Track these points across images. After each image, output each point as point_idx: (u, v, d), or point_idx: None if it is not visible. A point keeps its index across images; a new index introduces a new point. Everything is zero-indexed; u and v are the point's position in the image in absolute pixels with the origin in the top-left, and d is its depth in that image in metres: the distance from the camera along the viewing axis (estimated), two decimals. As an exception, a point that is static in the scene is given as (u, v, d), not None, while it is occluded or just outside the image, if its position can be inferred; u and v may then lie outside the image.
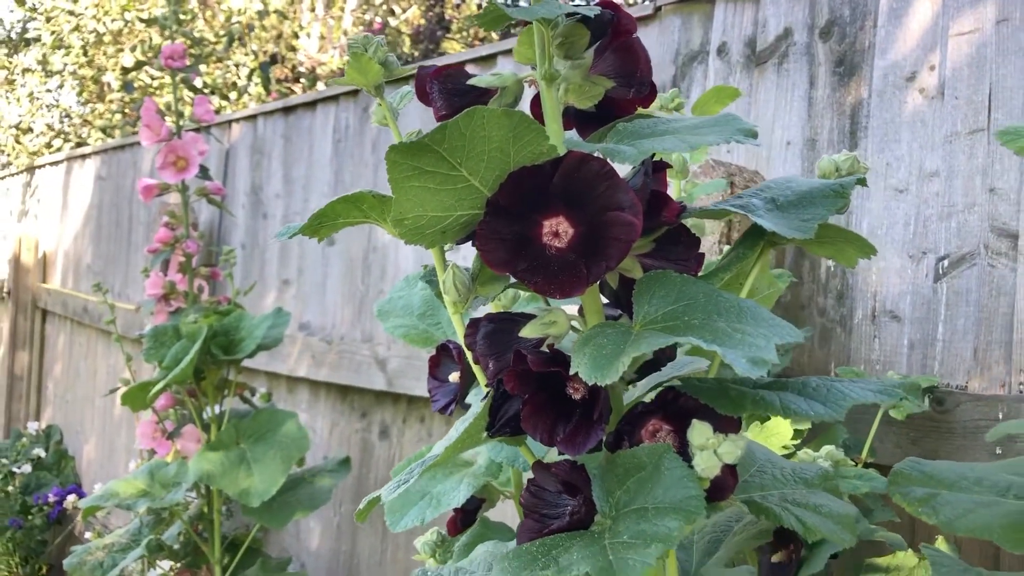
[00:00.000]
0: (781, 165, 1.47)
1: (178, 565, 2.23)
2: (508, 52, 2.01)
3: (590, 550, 0.48)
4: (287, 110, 2.75)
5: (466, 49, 5.54)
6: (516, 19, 0.51)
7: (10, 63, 5.59)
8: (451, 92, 0.59)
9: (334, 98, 2.56)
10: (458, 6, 6.08)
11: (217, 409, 1.86)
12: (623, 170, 0.57)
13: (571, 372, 0.50)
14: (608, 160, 0.52)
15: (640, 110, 0.61)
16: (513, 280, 0.63)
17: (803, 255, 1.40)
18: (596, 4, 0.58)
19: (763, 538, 0.63)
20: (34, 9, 5.66)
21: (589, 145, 0.54)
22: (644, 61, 0.60)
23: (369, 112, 2.54)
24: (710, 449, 0.49)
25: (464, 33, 5.48)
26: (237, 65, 4.70)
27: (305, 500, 1.79)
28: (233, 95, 4.79)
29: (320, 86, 5.09)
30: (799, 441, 1.01)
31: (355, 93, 2.48)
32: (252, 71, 4.69)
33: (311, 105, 2.64)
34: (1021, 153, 0.53)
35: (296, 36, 5.33)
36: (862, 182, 0.57)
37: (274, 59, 4.89)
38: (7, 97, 5.81)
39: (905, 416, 1.04)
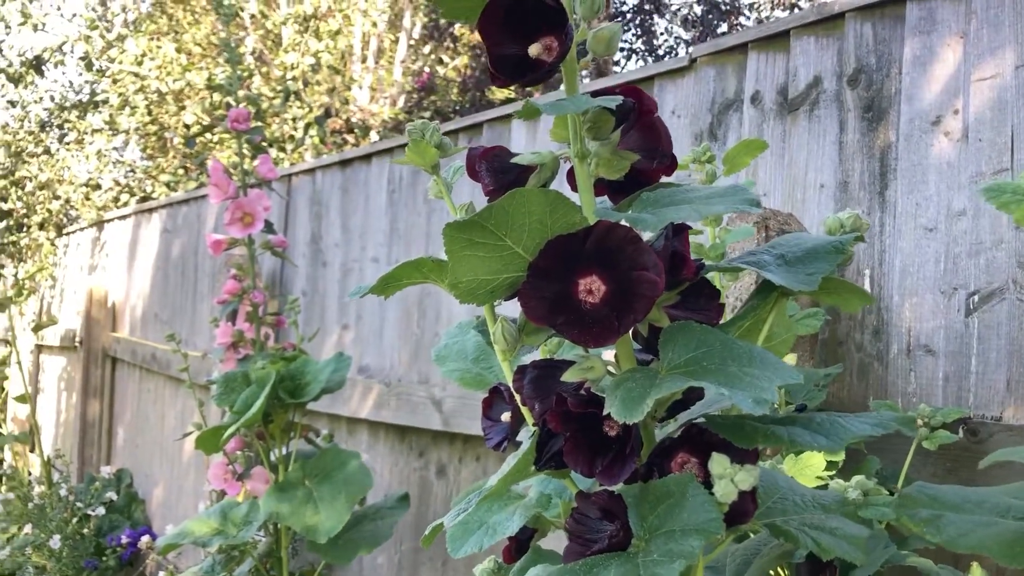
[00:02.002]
0: (815, 207, 1.54)
1: (248, 602, 2.32)
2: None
3: (625, 567, 0.56)
4: (344, 163, 2.88)
5: (515, 96, 5.69)
6: (549, 114, 0.60)
7: (80, 124, 5.89)
8: (496, 170, 0.68)
9: (388, 151, 2.68)
10: (504, 53, 6.24)
11: (284, 450, 1.96)
12: (648, 234, 0.65)
13: (605, 412, 0.58)
14: (633, 227, 0.60)
15: (663, 179, 0.70)
16: (554, 331, 0.71)
17: (838, 293, 1.46)
18: (620, 90, 0.67)
19: (787, 559, 0.70)
20: (102, 72, 5.97)
21: (616, 214, 0.62)
22: (665, 136, 0.68)
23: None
24: (727, 477, 0.57)
25: (510, 79, 5.62)
26: (294, 119, 4.90)
27: (368, 537, 1.87)
28: (290, 147, 4.99)
29: (373, 136, 5.27)
30: (833, 472, 1.06)
31: (407, 146, 2.61)
32: (308, 124, 4.89)
33: (366, 158, 2.77)
34: (1004, 209, 0.60)
35: (348, 89, 5.54)
36: (860, 239, 0.64)
37: (328, 112, 5.08)
38: (76, 156, 6.10)
39: (937, 447, 1.09)
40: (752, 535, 0.82)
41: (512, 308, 0.80)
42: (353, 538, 1.88)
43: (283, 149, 5.03)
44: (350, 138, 5.48)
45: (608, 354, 0.71)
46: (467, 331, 1.01)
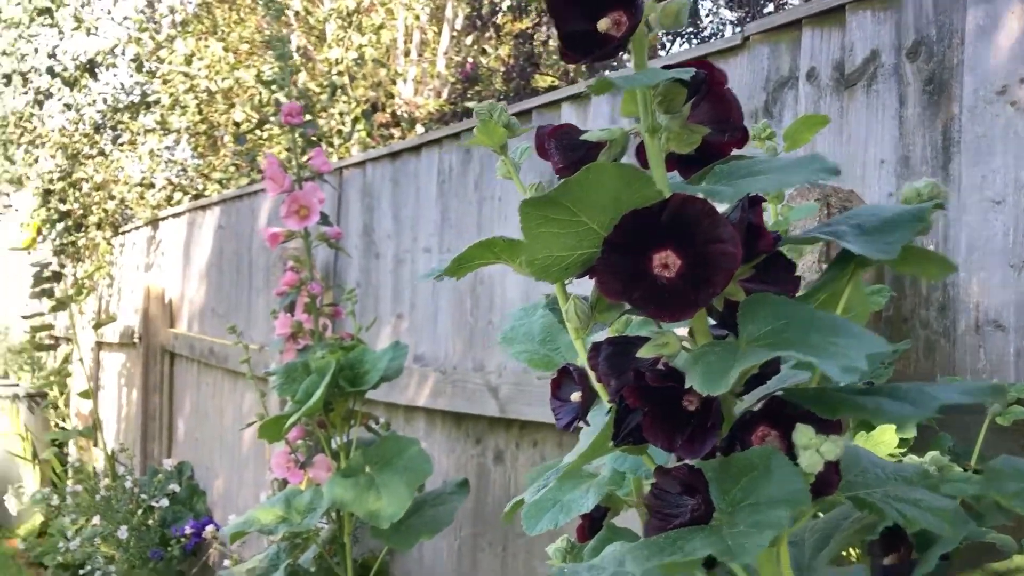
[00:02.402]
0: (876, 183, 1.51)
1: (311, 589, 2.36)
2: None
3: (711, 539, 0.56)
4: (393, 155, 2.91)
5: (558, 83, 5.67)
6: (623, 86, 0.59)
7: (132, 125, 6.01)
8: (566, 147, 0.68)
9: (437, 141, 2.70)
10: (545, 43, 6.23)
11: (344, 438, 1.99)
12: (722, 207, 0.65)
13: (686, 386, 0.57)
14: (709, 199, 0.60)
15: (735, 152, 0.69)
16: (628, 307, 0.71)
17: (903, 270, 1.43)
18: (690, 63, 0.66)
19: (867, 533, 0.69)
20: (152, 73, 6.08)
21: (691, 187, 0.62)
22: (736, 109, 0.68)
23: (470, 153, 2.67)
24: (813, 448, 0.56)
25: (554, 68, 5.61)
26: (341, 114, 4.94)
27: (429, 523, 1.89)
28: (337, 142, 5.04)
29: (419, 128, 5.30)
30: (905, 450, 1.05)
31: (456, 136, 2.62)
32: (355, 119, 4.93)
33: (416, 149, 2.79)
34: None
35: (393, 82, 5.56)
36: (939, 207, 0.63)
37: (374, 106, 5.12)
38: (130, 156, 6.23)
39: (1011, 422, 1.07)
40: (820, 515, 0.81)
41: (583, 288, 0.80)
42: (414, 524, 1.90)
43: (331, 144, 5.08)
44: (396, 131, 5.52)
45: (680, 332, 0.71)
46: (532, 313, 1.01)
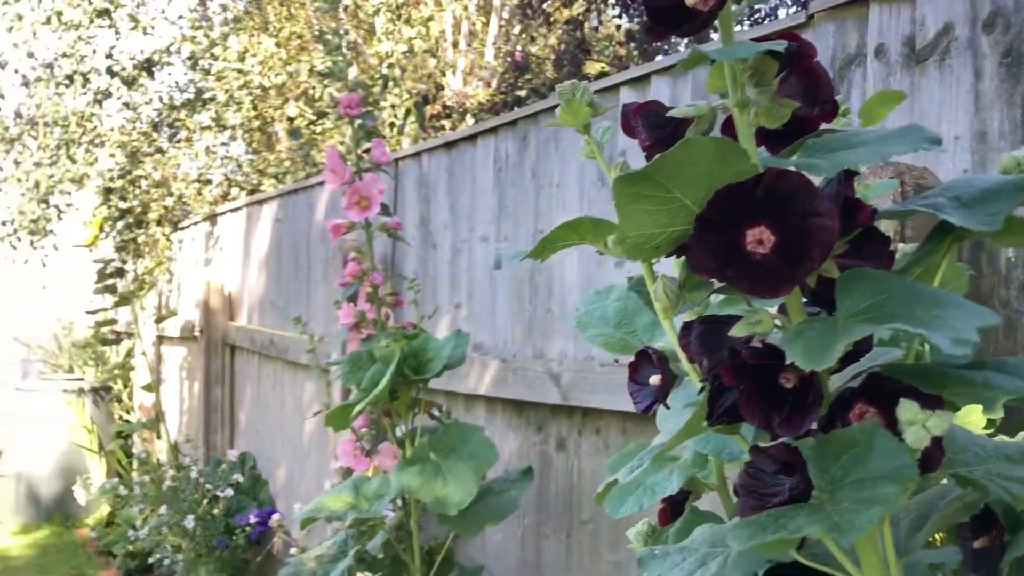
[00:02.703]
0: (950, 160, 1.47)
1: None
2: (661, 72, 2.08)
3: (815, 516, 0.55)
4: (448, 145, 2.91)
5: (609, 70, 5.64)
6: (715, 60, 0.59)
7: (189, 122, 6.11)
8: (653, 124, 0.68)
9: (493, 130, 2.70)
10: (596, 29, 6.19)
11: (409, 426, 2.00)
12: (816, 181, 0.64)
13: (786, 362, 0.57)
14: (805, 173, 0.59)
15: (824, 125, 0.68)
16: (717, 286, 0.70)
17: (980, 249, 1.40)
18: (778, 37, 0.65)
19: (969, 512, 0.68)
20: (206, 71, 6.17)
21: (785, 160, 0.61)
22: (826, 82, 0.66)
23: (527, 141, 2.66)
24: (919, 423, 0.55)
25: (604, 54, 5.57)
26: (392, 107, 4.98)
27: (495, 509, 1.90)
28: (389, 134, 5.07)
29: (469, 119, 5.31)
30: (992, 431, 1.02)
31: (513, 124, 2.61)
32: (407, 111, 4.95)
33: (471, 139, 2.79)
34: None
35: (443, 74, 5.58)
36: (1046, 175, 0.61)
37: (425, 98, 5.14)
38: (187, 153, 6.34)
39: (1104, 402, 1.03)
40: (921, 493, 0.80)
41: (629, 270, 0.79)
42: (480, 510, 1.91)
43: (383, 137, 5.12)
44: (447, 123, 5.53)
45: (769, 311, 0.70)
46: (606, 297, 1.01)
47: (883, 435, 0.56)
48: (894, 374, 0.60)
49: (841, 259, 0.65)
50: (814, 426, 0.64)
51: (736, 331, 0.65)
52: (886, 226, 1.27)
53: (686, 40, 5.46)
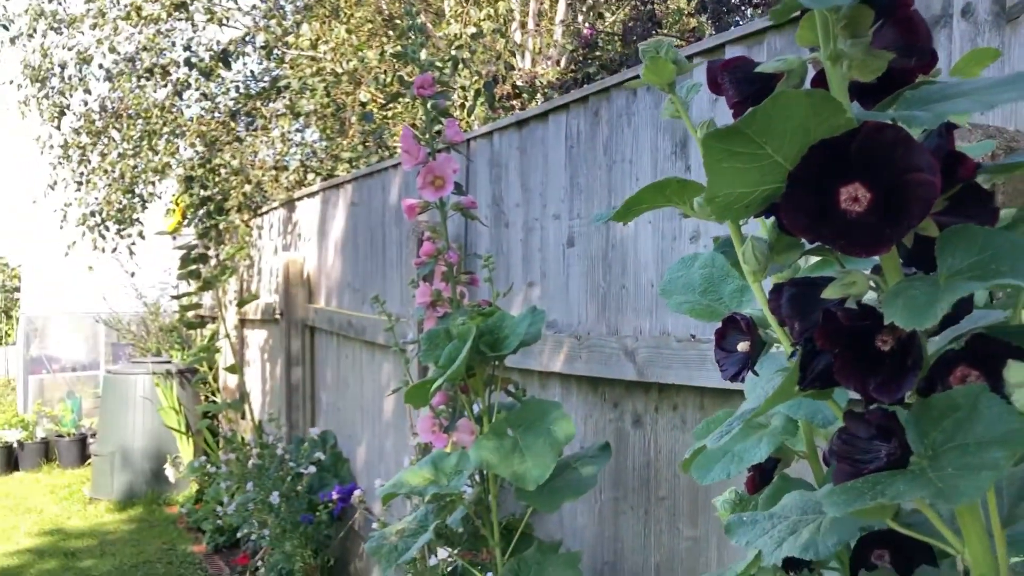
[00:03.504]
0: (1048, 121, 1.40)
1: (457, 551, 2.42)
2: (735, 41, 2.03)
3: (916, 482, 0.53)
4: (520, 123, 2.91)
5: (681, 43, 5.54)
6: (808, 8, 0.57)
7: (265, 110, 6.23)
8: (740, 80, 0.66)
9: (564, 107, 2.68)
10: (665, 0, 6.09)
11: (486, 403, 2.01)
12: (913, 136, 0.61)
13: (885, 323, 0.55)
14: (904, 126, 0.57)
15: (922, 77, 0.65)
16: (808, 247, 0.68)
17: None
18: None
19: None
20: (280, 59, 6.28)
21: (882, 114, 0.59)
22: (924, 31, 0.63)
23: (599, 116, 2.64)
24: (1029, 385, 0.52)
25: (674, 27, 5.47)
26: (463, 88, 4.99)
27: (573, 485, 1.90)
28: (459, 116, 5.08)
29: (539, 99, 5.28)
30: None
31: (584, 100, 2.59)
32: (477, 92, 4.96)
33: (542, 116, 2.78)
34: None
35: (513, 54, 5.56)
36: None
37: (495, 79, 5.14)
38: (264, 141, 6.47)
39: None
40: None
41: (691, 237, 0.77)
42: (558, 486, 1.91)
43: (453, 118, 5.14)
44: (516, 103, 5.52)
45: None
46: (691, 264, 0.99)
47: (990, 398, 0.54)
48: (998, 335, 0.57)
49: (941, 217, 0.63)
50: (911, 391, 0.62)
51: (829, 293, 0.63)
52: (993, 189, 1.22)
53: (759, 10, 5.32)
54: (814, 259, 0.80)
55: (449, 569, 2.36)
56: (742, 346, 0.84)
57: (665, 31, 5.55)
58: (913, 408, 0.59)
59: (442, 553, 2.47)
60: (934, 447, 0.56)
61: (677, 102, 0.70)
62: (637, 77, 0.70)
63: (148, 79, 6.15)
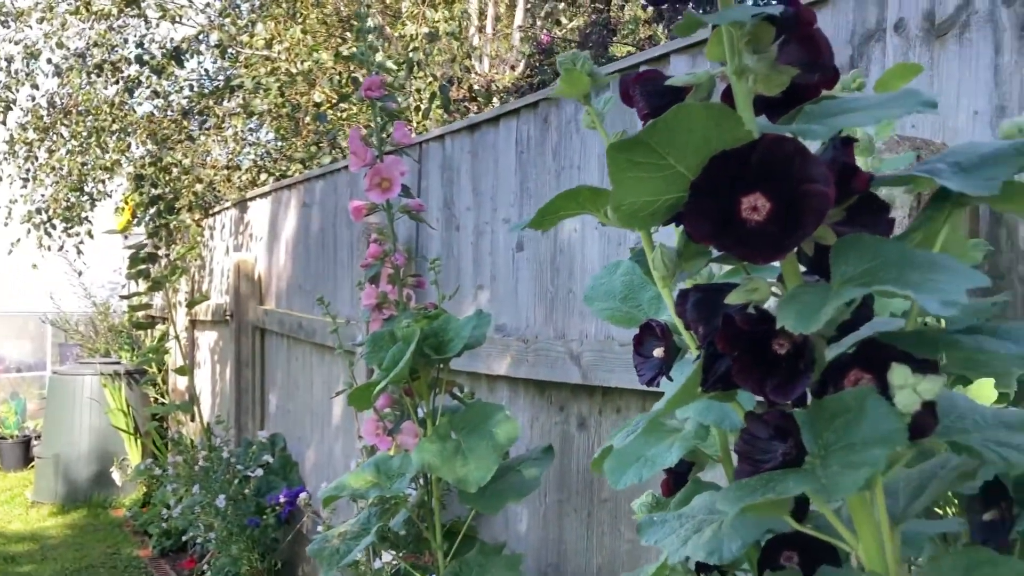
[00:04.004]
0: (969, 135, 1.45)
1: (401, 553, 2.42)
2: (680, 51, 2.07)
3: (804, 478, 0.55)
4: (472, 127, 2.92)
5: (635, 51, 5.60)
6: (710, 24, 0.59)
7: (218, 109, 6.17)
8: (651, 93, 0.68)
9: (515, 112, 2.70)
10: (622, 7, 6.15)
11: (430, 406, 2.02)
12: (813, 148, 0.64)
13: (779, 326, 0.57)
14: (800, 139, 0.59)
15: (824, 93, 0.68)
16: (715, 254, 0.71)
17: (999, 224, 1.38)
18: (777, 2, 0.65)
19: (966, 480, 0.68)
20: (235, 59, 6.22)
21: (781, 127, 0.61)
22: (826, 48, 0.66)
23: (548, 123, 2.66)
24: (909, 387, 0.55)
25: (631, 36, 5.53)
26: (418, 90, 4.99)
27: (516, 487, 1.91)
28: (415, 119, 5.08)
29: (495, 103, 5.30)
30: (1005, 405, 1.02)
31: (534, 106, 2.62)
32: (432, 95, 4.96)
33: (494, 121, 2.80)
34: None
35: (468, 57, 5.58)
36: (1045, 139, 0.61)
37: (451, 81, 5.15)
38: (216, 140, 6.40)
39: (1121, 376, 1.02)
40: (922, 464, 0.79)
41: (637, 240, 0.79)
42: (501, 488, 1.92)
43: (408, 121, 5.14)
44: (473, 107, 5.54)
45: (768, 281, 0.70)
46: (614, 271, 1.01)
47: (875, 400, 0.57)
48: (889, 340, 0.60)
49: (839, 226, 0.66)
50: (808, 393, 0.64)
51: (732, 298, 0.65)
52: (903, 199, 1.26)
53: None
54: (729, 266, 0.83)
55: (392, 572, 2.36)
56: (658, 351, 0.86)
57: (621, 40, 5.60)
58: (808, 409, 0.61)
59: (386, 556, 2.47)
60: (826, 446, 0.59)
61: (592, 113, 0.72)
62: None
63: (98, 75, 6.06)
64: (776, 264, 0.65)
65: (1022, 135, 0.64)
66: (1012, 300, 1.35)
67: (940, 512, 1.04)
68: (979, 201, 0.61)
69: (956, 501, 0.99)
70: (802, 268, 0.68)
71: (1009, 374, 1.02)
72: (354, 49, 4.73)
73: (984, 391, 0.99)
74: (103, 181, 6.28)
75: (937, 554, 0.78)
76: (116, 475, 5.55)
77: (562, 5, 6.18)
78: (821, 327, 0.54)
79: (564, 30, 6.20)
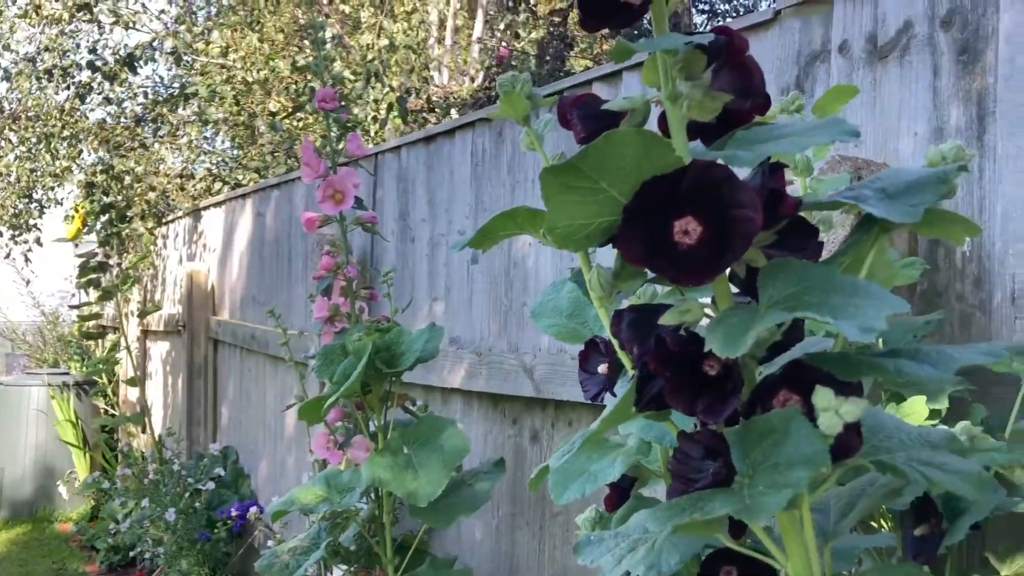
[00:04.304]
0: (909, 156, 1.49)
1: (352, 568, 2.40)
2: (632, 68, 2.09)
3: (731, 499, 0.56)
4: (428, 139, 2.92)
5: (592, 65, 5.65)
6: (641, 51, 0.60)
7: (172, 117, 6.10)
8: (588, 117, 0.69)
9: (470, 125, 2.71)
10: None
11: (382, 420, 2.01)
12: (743, 173, 0.65)
13: (706, 349, 0.58)
14: (728, 165, 0.60)
15: (757, 118, 0.69)
16: (650, 275, 0.72)
17: (937, 243, 1.42)
18: (711, 30, 0.67)
19: (892, 498, 0.69)
20: (189, 66, 6.16)
21: (711, 152, 0.63)
22: (758, 75, 0.68)
23: (503, 136, 2.68)
24: (832, 410, 0.57)
25: (588, 50, 5.58)
26: (376, 101, 4.98)
27: (467, 501, 1.91)
28: (373, 129, 5.07)
29: (453, 114, 5.31)
30: (936, 422, 1.04)
31: (490, 119, 2.63)
32: (390, 105, 4.95)
33: (450, 133, 2.80)
34: None
35: (427, 68, 5.58)
36: (964, 169, 0.63)
37: (409, 92, 5.14)
38: (170, 148, 6.32)
39: (1048, 392, 1.05)
40: (852, 481, 0.81)
41: (606, 259, 0.81)
42: (452, 502, 1.92)
43: (366, 131, 5.12)
44: (431, 117, 5.54)
45: (703, 301, 0.72)
46: (561, 288, 1.02)
47: (800, 421, 0.58)
48: (815, 362, 0.61)
49: (769, 249, 0.67)
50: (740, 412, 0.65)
51: (666, 319, 0.66)
52: (840, 221, 1.29)
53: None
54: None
55: (343, 586, 2.34)
56: (602, 368, 0.87)
57: (578, 53, 5.65)
58: (737, 429, 0.63)
59: (337, 571, 2.45)
60: (754, 466, 0.60)
61: (532, 134, 0.73)
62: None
63: (48, 80, 5.95)
64: (698, 287, 0.66)
65: (945, 163, 0.66)
66: (949, 318, 1.39)
67: (875, 526, 1.06)
68: (903, 227, 0.63)
69: (891, 515, 1.01)
70: (735, 289, 0.70)
71: (936, 392, 1.05)
72: (310, 59, 4.71)
73: (916, 407, 1.02)
74: (52, 188, 6.16)
75: (867, 570, 0.79)
76: (63, 488, 5.44)
77: (521, 18, 6.22)
78: (748, 350, 0.55)
79: (523, 42, 6.23)
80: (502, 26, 6.27)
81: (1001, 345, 0.58)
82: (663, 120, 0.68)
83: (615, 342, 0.70)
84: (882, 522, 1.04)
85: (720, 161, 0.61)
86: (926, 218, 0.62)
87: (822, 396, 0.57)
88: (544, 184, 0.59)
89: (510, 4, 6.04)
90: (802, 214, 0.69)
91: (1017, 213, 1.32)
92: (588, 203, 0.61)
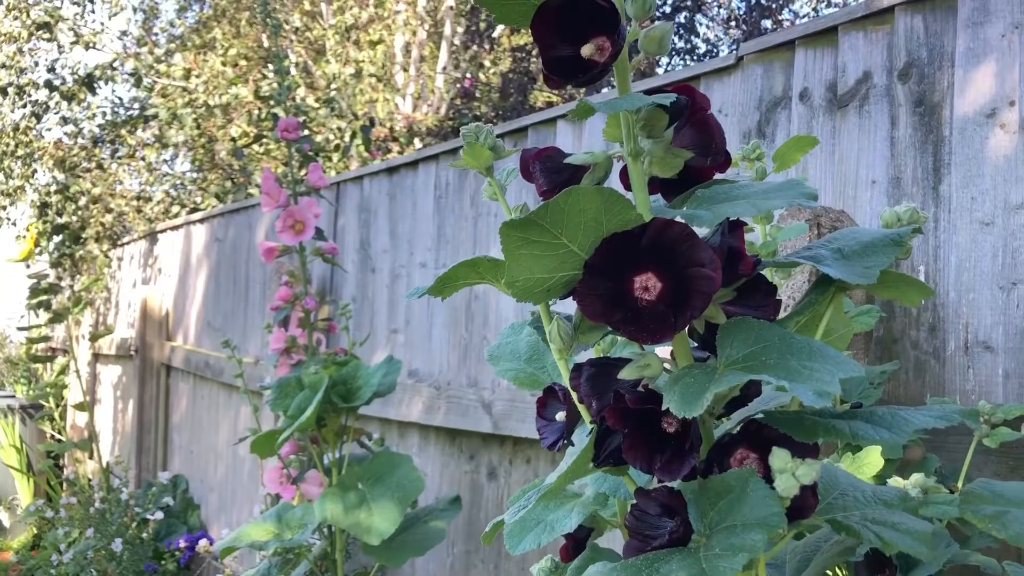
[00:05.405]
0: (867, 204, 1.52)
1: (303, 604, 2.35)
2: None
3: (687, 561, 0.56)
4: (391, 170, 2.92)
5: (557, 100, 5.69)
6: (604, 111, 0.60)
7: (131, 139, 6.02)
8: (550, 170, 0.69)
9: (434, 157, 2.71)
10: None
11: (337, 454, 1.99)
12: (703, 231, 0.65)
13: (664, 408, 0.58)
14: (688, 223, 0.61)
15: (717, 176, 0.70)
16: (610, 329, 0.72)
17: (892, 290, 1.44)
18: (672, 89, 0.67)
19: (847, 555, 0.69)
20: (150, 88, 6.10)
21: (671, 211, 0.63)
22: (718, 134, 0.68)
23: (466, 169, 2.68)
24: (789, 472, 0.56)
25: (552, 83, 5.63)
26: (339, 128, 4.96)
27: (421, 540, 1.89)
28: (336, 157, 5.05)
29: (417, 143, 5.31)
30: (891, 472, 1.05)
31: (453, 152, 2.63)
32: (353, 133, 4.94)
33: (413, 165, 2.80)
34: None
35: (391, 98, 5.59)
36: (918, 231, 0.64)
37: (372, 121, 5.14)
38: (128, 170, 6.24)
39: (999, 444, 1.07)
40: (809, 534, 0.81)
41: (565, 306, 0.80)
42: (406, 540, 1.90)
43: (329, 159, 5.10)
44: (394, 146, 5.54)
45: (664, 352, 0.72)
46: (520, 331, 1.02)
47: (756, 482, 0.58)
48: (771, 422, 0.61)
49: (728, 306, 0.67)
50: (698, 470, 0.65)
51: (625, 374, 0.66)
52: (800, 268, 1.30)
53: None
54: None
55: (293, 624, 2.29)
56: (560, 415, 0.86)
57: (540, 87, 5.70)
58: (695, 487, 0.62)
59: (289, 606, 2.40)
60: (711, 526, 0.60)
61: (494, 185, 0.72)
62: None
63: (4, 97, 5.85)
64: (656, 344, 0.66)
65: (900, 224, 0.67)
66: (904, 365, 1.41)
67: (830, 575, 1.06)
68: (860, 288, 0.63)
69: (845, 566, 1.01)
70: (694, 344, 0.70)
71: (892, 448, 1.05)
72: (273, 87, 4.69)
73: (872, 458, 1.03)
74: (4, 207, 6.04)
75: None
76: (4, 515, 5.27)
77: (485, 49, 6.26)
78: (703, 412, 0.55)
79: (487, 74, 6.27)
80: (467, 56, 6.31)
81: (953, 409, 0.59)
82: (625, 174, 0.68)
83: (574, 395, 0.70)
84: (837, 571, 1.04)
85: (680, 219, 0.61)
86: (881, 280, 0.63)
87: (779, 457, 0.57)
88: (504, 238, 0.59)
89: (475, 38, 6.09)
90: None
91: (971, 263, 1.35)
92: (548, 257, 0.61)
